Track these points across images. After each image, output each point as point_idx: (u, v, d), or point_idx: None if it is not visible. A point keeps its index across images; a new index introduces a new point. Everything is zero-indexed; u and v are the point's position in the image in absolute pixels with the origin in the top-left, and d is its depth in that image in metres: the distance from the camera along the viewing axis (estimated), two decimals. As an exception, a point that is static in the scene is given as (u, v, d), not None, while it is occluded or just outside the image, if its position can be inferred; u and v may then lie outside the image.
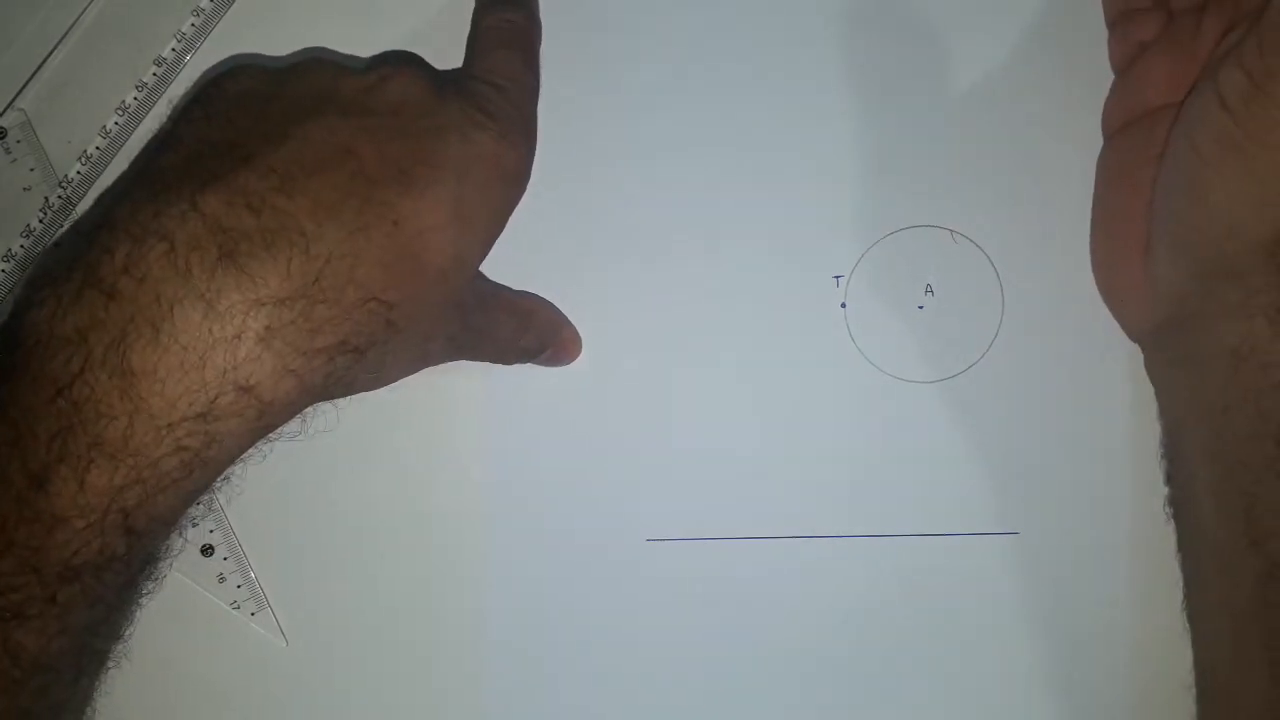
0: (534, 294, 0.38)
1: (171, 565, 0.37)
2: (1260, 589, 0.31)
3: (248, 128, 0.29)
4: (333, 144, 0.29)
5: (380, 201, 0.28)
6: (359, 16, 0.38)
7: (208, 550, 0.37)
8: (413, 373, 0.33)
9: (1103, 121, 0.36)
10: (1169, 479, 0.35)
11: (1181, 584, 0.35)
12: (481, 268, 0.34)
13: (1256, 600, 0.31)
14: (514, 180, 0.33)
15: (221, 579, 0.38)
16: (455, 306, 0.32)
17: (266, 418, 0.28)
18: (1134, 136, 0.35)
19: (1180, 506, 0.34)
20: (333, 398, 0.30)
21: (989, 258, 0.38)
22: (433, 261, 0.29)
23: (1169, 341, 0.34)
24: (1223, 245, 0.32)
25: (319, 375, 0.28)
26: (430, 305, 0.30)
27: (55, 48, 0.37)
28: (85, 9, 0.37)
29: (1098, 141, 0.36)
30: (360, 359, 0.29)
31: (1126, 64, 0.36)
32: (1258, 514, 0.31)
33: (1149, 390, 0.36)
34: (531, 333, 0.36)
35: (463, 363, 0.37)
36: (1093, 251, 0.37)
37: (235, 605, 0.38)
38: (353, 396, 0.36)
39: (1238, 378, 0.32)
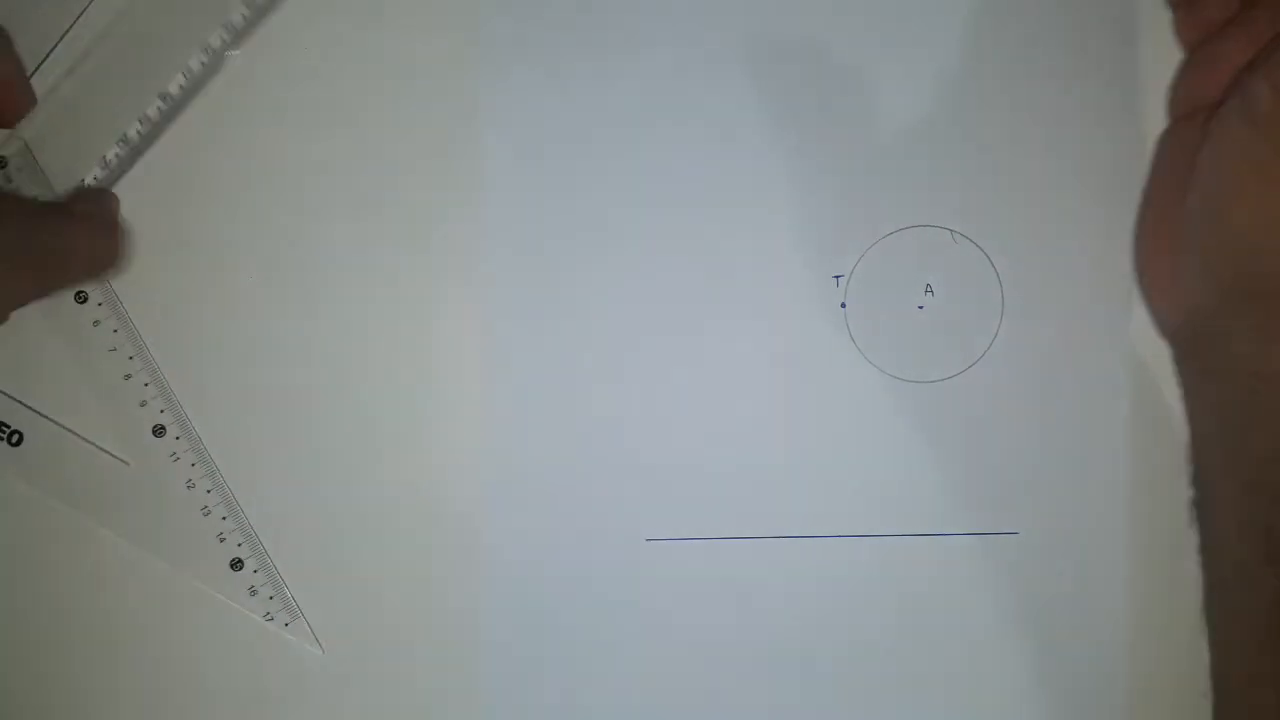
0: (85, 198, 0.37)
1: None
2: (1277, 610, 0.31)
3: None
4: None
5: None
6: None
7: (237, 564, 0.38)
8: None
9: (1169, 100, 0.35)
10: (1193, 482, 0.34)
11: (1183, 584, 0.35)
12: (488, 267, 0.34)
13: (1274, 619, 0.31)
14: None
15: (253, 591, 0.38)
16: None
17: None
18: (1196, 126, 0.33)
19: (1202, 511, 0.34)
20: None
21: (989, 258, 0.37)
22: None
23: (1195, 350, 0.34)
24: (1245, 265, 0.31)
25: None
26: None
27: (60, 79, 0.37)
28: (93, 40, 0.37)
29: (1099, 142, 0.35)
30: None
31: (1196, 43, 0.34)
32: (1278, 535, 0.31)
33: (1148, 389, 0.36)
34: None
35: (463, 364, 0.38)
36: (1135, 235, 0.35)
37: (269, 617, 0.38)
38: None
39: (1258, 400, 0.31)
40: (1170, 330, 0.35)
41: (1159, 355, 0.37)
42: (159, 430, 0.38)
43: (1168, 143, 0.35)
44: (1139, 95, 0.36)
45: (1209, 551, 0.34)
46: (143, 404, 0.38)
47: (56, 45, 0.37)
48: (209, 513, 0.38)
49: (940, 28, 0.37)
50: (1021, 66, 0.36)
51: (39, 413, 0.38)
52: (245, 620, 0.39)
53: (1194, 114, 0.34)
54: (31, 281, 0.35)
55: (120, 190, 0.38)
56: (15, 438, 0.38)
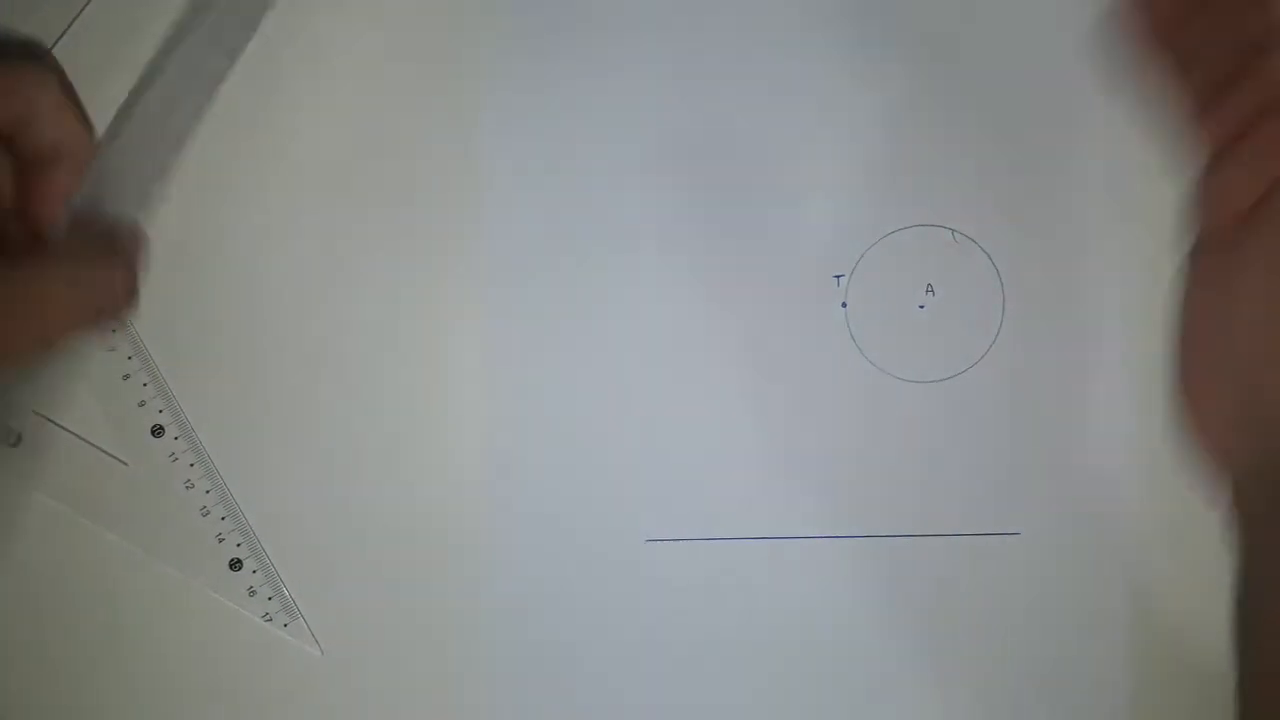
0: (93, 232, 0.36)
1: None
2: None
3: None
4: None
5: None
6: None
7: (235, 564, 0.38)
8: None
9: (1190, 213, 0.30)
10: (1238, 629, 0.30)
11: (1184, 585, 0.35)
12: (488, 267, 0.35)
13: None
14: None
15: (252, 592, 0.38)
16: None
17: None
18: (1227, 240, 0.29)
19: (1246, 657, 0.30)
20: None
21: (989, 257, 0.37)
22: None
23: (1266, 493, 0.29)
24: None
25: None
26: None
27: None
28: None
29: (1099, 140, 0.35)
30: None
31: (1223, 142, 0.29)
32: None
33: (1149, 389, 0.36)
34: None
35: (462, 364, 0.38)
36: (1174, 370, 0.31)
37: (267, 617, 0.38)
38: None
39: None
40: (1229, 468, 0.31)
41: (1159, 354, 0.37)
42: (157, 430, 0.38)
43: (1199, 262, 0.31)
44: (1141, 95, 0.36)
45: (1248, 695, 0.29)
46: (141, 404, 0.38)
47: (56, 44, 0.37)
48: (208, 513, 0.38)
49: (942, 27, 0.37)
50: (1023, 66, 0.36)
51: (38, 413, 0.38)
52: (244, 620, 0.38)
53: (1226, 225, 0.30)
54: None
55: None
56: (14, 438, 0.38)
